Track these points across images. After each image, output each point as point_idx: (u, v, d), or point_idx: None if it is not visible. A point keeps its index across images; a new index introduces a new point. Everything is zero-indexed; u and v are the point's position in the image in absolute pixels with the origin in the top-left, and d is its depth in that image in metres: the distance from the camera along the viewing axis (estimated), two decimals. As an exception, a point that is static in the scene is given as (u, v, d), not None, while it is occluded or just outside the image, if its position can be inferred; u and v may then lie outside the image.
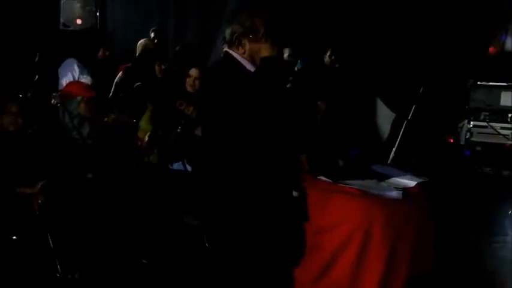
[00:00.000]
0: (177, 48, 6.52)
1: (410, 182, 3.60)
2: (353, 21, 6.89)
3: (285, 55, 5.72)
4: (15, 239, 3.84)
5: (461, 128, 5.38)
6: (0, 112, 4.09)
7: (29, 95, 4.72)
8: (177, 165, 4.83)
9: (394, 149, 5.18)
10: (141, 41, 6.12)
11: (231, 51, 2.97)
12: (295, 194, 3.31)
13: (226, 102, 2.85)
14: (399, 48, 6.38)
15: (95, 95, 4.82)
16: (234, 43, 2.95)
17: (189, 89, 5.15)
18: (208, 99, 2.99)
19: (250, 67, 2.95)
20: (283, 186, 3.10)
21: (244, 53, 2.94)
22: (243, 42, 2.92)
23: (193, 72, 5.17)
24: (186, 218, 4.29)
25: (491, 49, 5.70)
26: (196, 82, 5.12)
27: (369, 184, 3.53)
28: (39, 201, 3.92)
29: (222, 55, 5.61)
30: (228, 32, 2.98)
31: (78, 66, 5.13)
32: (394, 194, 3.40)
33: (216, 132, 2.95)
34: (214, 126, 2.96)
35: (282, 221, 3.09)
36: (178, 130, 4.78)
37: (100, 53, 5.39)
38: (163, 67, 5.42)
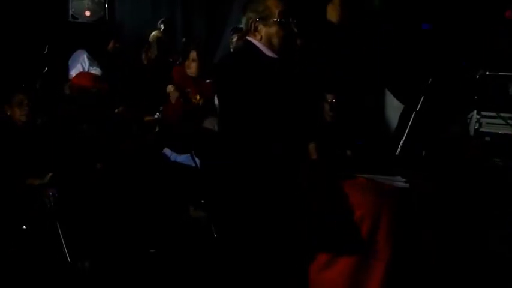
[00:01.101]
0: (184, 40, 6.52)
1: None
2: (362, 12, 6.86)
3: None
4: (25, 229, 3.88)
5: (470, 118, 5.35)
6: (11, 104, 4.12)
7: (37, 86, 4.73)
8: (185, 158, 4.85)
9: (402, 141, 5.15)
10: (153, 33, 6.09)
11: (250, 39, 3.01)
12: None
13: (248, 90, 2.88)
14: (407, 39, 6.36)
15: (106, 87, 4.84)
16: (250, 30, 3.00)
17: (188, 72, 5.12)
18: (228, 87, 3.00)
19: (269, 52, 3.00)
20: (291, 176, 3.12)
21: (261, 38, 2.98)
22: (259, 27, 2.97)
23: (191, 54, 5.14)
24: (193, 212, 4.33)
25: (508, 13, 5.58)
26: (194, 64, 5.08)
27: (375, 174, 3.53)
28: (50, 193, 3.95)
29: (232, 45, 5.67)
30: (244, 20, 3.04)
31: (88, 58, 5.16)
32: (401, 183, 3.40)
33: (237, 119, 2.96)
34: (235, 114, 2.97)
35: (290, 211, 3.12)
36: (157, 116, 4.79)
37: (110, 45, 5.40)
38: (149, 54, 5.41)
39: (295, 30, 3.07)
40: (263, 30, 2.97)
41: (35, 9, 5.54)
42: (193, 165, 4.77)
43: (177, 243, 4.33)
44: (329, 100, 5.02)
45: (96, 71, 5.09)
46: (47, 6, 5.72)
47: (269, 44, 2.98)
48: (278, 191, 2.97)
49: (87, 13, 5.92)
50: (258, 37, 2.98)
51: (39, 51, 5.32)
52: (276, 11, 2.96)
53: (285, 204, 3.02)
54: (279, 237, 3.05)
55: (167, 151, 4.87)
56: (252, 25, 2.98)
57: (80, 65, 5.13)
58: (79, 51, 5.23)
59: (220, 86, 3.14)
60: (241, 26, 5.41)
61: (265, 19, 2.96)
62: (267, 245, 3.04)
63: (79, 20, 5.93)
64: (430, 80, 5.22)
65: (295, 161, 3.05)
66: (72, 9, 5.91)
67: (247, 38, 3.02)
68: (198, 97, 4.95)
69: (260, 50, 2.98)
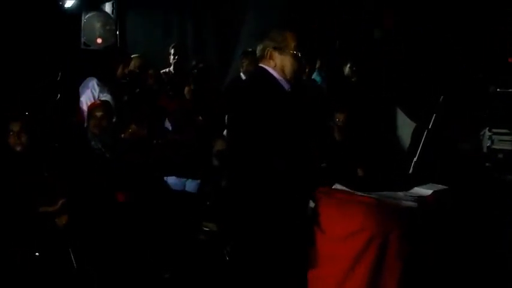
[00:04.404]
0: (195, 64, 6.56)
1: (427, 191, 3.58)
2: (373, 33, 6.91)
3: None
4: (38, 255, 3.90)
5: (483, 135, 5.33)
6: (6, 133, 4.10)
7: (50, 113, 4.78)
8: (194, 185, 4.89)
9: (415, 159, 5.14)
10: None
11: (263, 65, 3.21)
12: (312, 204, 3.34)
13: (263, 113, 3.03)
14: (419, 57, 6.37)
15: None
16: (265, 57, 3.21)
17: (187, 96, 5.19)
18: (244, 110, 3.16)
19: (281, 78, 3.19)
20: (301, 197, 3.19)
21: (275, 66, 3.19)
22: (274, 55, 3.18)
23: (187, 88, 5.22)
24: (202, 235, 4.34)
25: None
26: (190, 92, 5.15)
27: (385, 194, 3.53)
28: (63, 222, 3.97)
29: (243, 68, 5.80)
30: (259, 47, 3.25)
31: (98, 85, 5.18)
32: (410, 203, 3.39)
33: (249, 141, 3.09)
34: (248, 136, 3.11)
35: (299, 232, 3.16)
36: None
37: (119, 71, 5.43)
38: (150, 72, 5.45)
39: (305, 62, 3.36)
40: (278, 58, 3.18)
41: (49, 37, 5.62)
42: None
43: (190, 267, 4.33)
44: (338, 120, 5.05)
45: (106, 97, 5.12)
46: (59, 34, 5.79)
47: (281, 72, 3.19)
48: (284, 209, 3.07)
49: (99, 40, 5.98)
50: (272, 64, 3.19)
51: (53, 79, 5.39)
52: (293, 44, 3.17)
53: (290, 221, 3.11)
54: (289, 258, 3.13)
55: (176, 180, 4.89)
56: (268, 52, 3.19)
57: (90, 91, 5.16)
58: (89, 78, 5.27)
59: (234, 108, 3.29)
60: (250, 49, 5.51)
61: (281, 49, 3.18)
62: (278, 265, 3.11)
63: (91, 47, 5.99)
64: (442, 98, 5.22)
65: (300, 178, 3.13)
66: (84, 37, 5.98)
67: (261, 64, 3.23)
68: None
69: (274, 77, 3.18)
